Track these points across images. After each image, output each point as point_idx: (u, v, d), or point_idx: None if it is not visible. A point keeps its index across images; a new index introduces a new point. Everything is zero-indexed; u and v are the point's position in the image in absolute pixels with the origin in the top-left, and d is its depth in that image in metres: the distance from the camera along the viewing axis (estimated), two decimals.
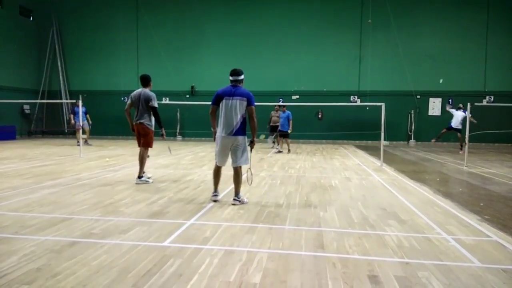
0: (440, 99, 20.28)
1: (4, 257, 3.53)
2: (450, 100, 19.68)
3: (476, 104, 10.67)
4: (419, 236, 4.34)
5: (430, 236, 4.37)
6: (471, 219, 5.11)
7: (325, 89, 20.61)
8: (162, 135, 7.61)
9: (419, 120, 20.51)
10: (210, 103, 5.76)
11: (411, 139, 20.58)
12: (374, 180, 8.30)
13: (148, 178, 7.63)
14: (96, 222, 4.73)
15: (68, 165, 9.95)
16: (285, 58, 21.13)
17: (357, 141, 20.32)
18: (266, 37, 21.25)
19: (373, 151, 15.13)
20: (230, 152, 5.74)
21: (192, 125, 21.07)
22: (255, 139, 5.80)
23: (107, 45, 22.57)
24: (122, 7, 22.27)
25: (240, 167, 5.77)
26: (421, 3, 20.37)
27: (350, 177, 8.65)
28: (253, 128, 5.68)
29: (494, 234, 4.46)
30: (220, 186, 6.84)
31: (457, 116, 15.60)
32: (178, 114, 21.33)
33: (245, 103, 5.59)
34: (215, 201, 5.85)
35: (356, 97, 20.72)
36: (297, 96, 21.05)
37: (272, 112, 15.59)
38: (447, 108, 17.34)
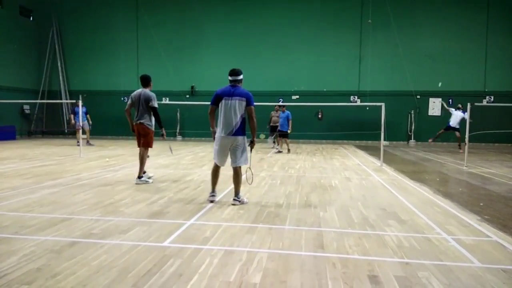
0: (440, 99, 20.26)
1: (4, 257, 3.53)
2: (450, 101, 19.66)
3: (476, 104, 10.67)
4: (419, 236, 4.35)
5: (430, 236, 4.37)
6: (471, 219, 5.12)
7: (325, 89, 20.61)
8: (162, 135, 7.63)
9: (419, 120, 20.51)
10: (210, 103, 5.76)
11: (411, 139, 20.58)
12: (374, 180, 8.30)
13: (149, 178, 7.64)
14: (96, 222, 4.73)
15: (68, 165, 9.95)
16: (285, 58, 21.13)
17: (357, 141, 20.32)
18: (266, 37, 21.25)
19: (373, 151, 15.13)
20: (229, 152, 5.74)
21: (192, 125, 21.06)
22: (255, 139, 5.80)
23: (107, 45, 22.56)
24: (122, 7, 22.27)
25: (240, 167, 5.77)
26: (421, 3, 20.37)
27: (350, 177, 8.65)
28: (253, 128, 5.68)
29: (494, 234, 4.47)
30: (220, 186, 6.84)
31: (456, 116, 15.64)
32: (178, 114, 21.33)
33: (244, 103, 5.59)
34: (212, 201, 5.82)
35: (356, 97, 20.72)
36: (297, 96, 21.05)
37: (272, 112, 15.60)
38: (446, 106, 17.34)
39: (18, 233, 4.26)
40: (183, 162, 11.06)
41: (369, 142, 19.63)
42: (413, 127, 20.51)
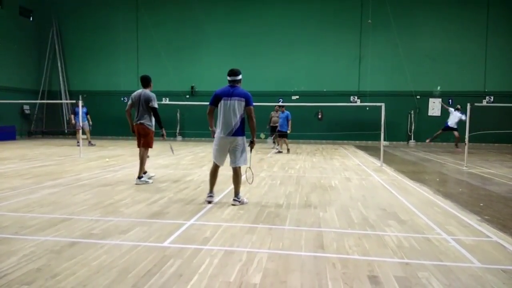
0: (440, 100, 20.26)
1: (4, 257, 3.53)
2: (450, 101, 19.66)
3: (476, 104, 10.66)
4: (419, 237, 4.35)
5: (430, 236, 4.37)
6: (471, 220, 5.12)
7: (325, 89, 20.61)
8: (162, 135, 7.63)
9: (419, 121, 20.51)
10: (208, 103, 5.76)
11: (411, 139, 20.58)
12: (374, 181, 8.30)
13: (150, 178, 7.66)
14: (96, 222, 4.73)
15: (68, 166, 9.95)
16: (285, 58, 21.13)
17: (357, 142, 20.32)
18: (266, 37, 21.25)
19: (373, 152, 15.13)
20: (229, 153, 5.73)
21: (192, 125, 21.06)
22: (255, 139, 5.80)
23: (107, 45, 22.56)
24: (122, 7, 22.27)
25: (239, 167, 5.76)
26: (421, 3, 20.37)
27: (350, 178, 8.65)
28: (252, 128, 5.68)
29: (494, 235, 4.47)
30: (220, 187, 6.85)
31: (455, 116, 15.74)
32: (178, 114, 21.32)
33: (243, 103, 5.58)
34: (209, 202, 5.80)
35: (356, 97, 20.72)
36: (297, 97, 21.05)
37: (272, 112, 15.60)
38: (445, 106, 17.35)
39: (18, 233, 4.26)
40: (183, 162, 11.06)
41: (369, 142, 19.63)
42: (413, 128, 20.51)
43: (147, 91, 7.38)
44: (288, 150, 14.30)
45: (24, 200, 5.86)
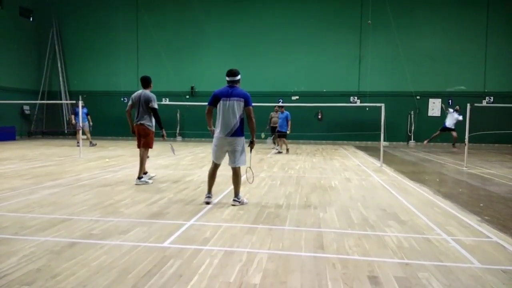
0: (440, 100, 20.28)
1: (4, 258, 3.53)
2: (450, 101, 19.67)
3: (476, 104, 10.65)
4: (419, 237, 4.35)
5: (430, 237, 4.37)
6: (471, 220, 5.12)
7: (324, 90, 20.62)
8: (162, 136, 7.64)
9: (419, 121, 20.51)
10: (207, 103, 5.76)
11: (411, 139, 20.58)
12: (374, 181, 8.30)
13: (150, 178, 7.67)
14: (96, 222, 4.73)
15: (68, 166, 9.95)
16: (285, 59, 21.13)
17: (357, 142, 20.32)
18: (266, 38, 21.25)
19: (373, 152, 15.13)
20: (228, 153, 5.73)
21: (192, 125, 21.05)
22: (254, 139, 5.80)
23: (107, 46, 22.57)
24: (122, 7, 22.27)
25: (239, 167, 5.76)
26: (421, 3, 20.38)
27: (350, 178, 8.65)
28: (252, 128, 5.68)
29: (494, 235, 4.47)
30: (220, 187, 6.86)
31: (452, 117, 15.81)
32: (178, 114, 21.32)
33: (242, 103, 5.58)
34: (207, 203, 5.79)
35: (356, 97, 20.72)
36: (297, 97, 21.06)
37: (272, 113, 15.59)
38: (445, 109, 17.37)
39: (18, 233, 4.26)
40: (183, 162, 11.06)
41: (369, 142, 19.62)
42: (413, 128, 20.51)
43: (147, 91, 7.39)
44: (287, 150, 14.30)
45: (24, 201, 5.86)
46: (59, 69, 22.82)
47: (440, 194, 6.91)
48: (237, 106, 5.56)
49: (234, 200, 5.78)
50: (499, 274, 3.36)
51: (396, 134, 20.26)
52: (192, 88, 21.83)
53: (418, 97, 20.20)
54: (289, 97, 20.87)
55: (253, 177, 6.18)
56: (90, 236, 4.19)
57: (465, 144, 10.66)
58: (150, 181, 7.54)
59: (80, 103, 12.96)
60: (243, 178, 5.92)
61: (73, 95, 22.43)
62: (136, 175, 7.56)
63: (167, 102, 17.61)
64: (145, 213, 5.24)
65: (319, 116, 20.99)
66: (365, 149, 16.80)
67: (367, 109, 18.20)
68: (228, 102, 5.57)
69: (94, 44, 22.64)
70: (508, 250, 3.97)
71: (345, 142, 20.57)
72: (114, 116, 20.44)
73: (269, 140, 15.72)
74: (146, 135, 7.38)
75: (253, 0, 21.63)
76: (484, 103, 19.29)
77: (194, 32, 21.73)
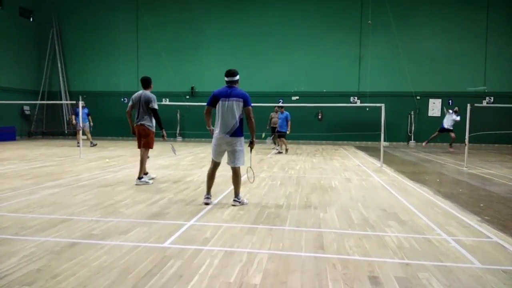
0: (440, 100, 20.28)
1: (4, 258, 3.53)
2: (450, 101, 19.67)
3: (476, 105, 10.65)
4: (419, 237, 4.35)
5: (430, 237, 4.37)
6: (471, 220, 5.12)
7: (325, 90, 20.61)
8: (163, 136, 7.64)
9: (419, 121, 20.50)
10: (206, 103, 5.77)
11: (411, 140, 20.57)
12: (374, 181, 8.30)
13: (151, 178, 7.67)
14: (96, 223, 4.73)
15: (68, 166, 9.95)
16: (285, 59, 21.13)
17: (357, 142, 20.32)
18: (266, 38, 21.25)
19: (373, 152, 15.13)
20: (227, 152, 5.74)
21: (192, 126, 21.05)
22: (254, 139, 5.80)
23: (107, 46, 22.57)
24: (122, 7, 22.27)
25: (239, 168, 5.76)
26: (421, 3, 20.38)
27: (350, 178, 8.65)
28: (252, 128, 5.68)
29: (494, 235, 4.47)
30: (220, 187, 6.86)
31: (451, 118, 15.86)
32: (178, 115, 21.32)
33: (241, 104, 5.58)
34: (207, 203, 5.78)
35: (356, 98, 20.72)
36: (297, 97, 21.06)
37: (272, 113, 15.59)
38: (448, 111, 17.37)
39: (18, 234, 4.26)
40: (183, 163, 11.06)
41: (369, 143, 19.62)
42: (413, 128, 20.51)
43: (147, 92, 7.41)
44: (286, 150, 14.29)
45: (24, 201, 5.86)
46: (59, 69, 22.83)
47: (440, 194, 6.91)
48: (236, 107, 5.56)
49: (234, 200, 5.79)
50: (500, 274, 3.35)
51: (396, 134, 20.26)
52: (192, 88, 21.82)
53: (418, 97, 20.19)
54: (289, 97, 20.87)
55: (254, 176, 6.19)
56: (90, 236, 4.19)
57: (465, 144, 10.65)
58: (150, 181, 7.54)
59: (80, 104, 12.96)
60: (244, 177, 5.92)
61: (73, 95, 22.43)
62: (137, 175, 7.56)
63: (167, 103, 17.60)
64: (145, 213, 5.24)
65: (319, 116, 20.99)
66: (365, 149, 16.80)
67: (367, 109, 18.18)
68: (227, 102, 5.57)
69: (94, 44, 22.65)
70: (508, 250, 3.97)
71: (345, 142, 20.57)
72: (114, 116, 20.45)
73: (269, 140, 15.72)
74: (147, 136, 7.39)
75: (253, 0, 21.63)
76: (484, 103, 19.29)
77: (194, 32, 21.73)
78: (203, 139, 20.30)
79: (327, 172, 9.65)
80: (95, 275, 3.19)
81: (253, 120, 5.64)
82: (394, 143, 20.17)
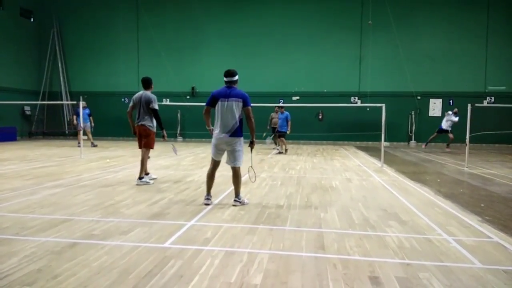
0: (440, 100, 20.27)
1: (4, 258, 3.53)
2: (451, 101, 19.66)
3: (476, 105, 10.64)
4: (420, 237, 4.34)
5: (431, 237, 4.37)
6: (472, 220, 5.11)
7: (325, 90, 20.61)
8: (163, 136, 7.65)
9: (420, 121, 20.49)
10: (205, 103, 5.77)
11: (411, 140, 20.57)
12: (374, 181, 8.29)
13: (152, 179, 7.67)
14: (96, 223, 4.73)
15: (68, 166, 9.96)
16: (285, 59, 21.12)
17: (358, 142, 20.31)
18: (266, 38, 21.25)
19: (374, 152, 15.12)
20: (227, 152, 5.74)
21: (192, 126, 21.05)
22: (254, 139, 5.80)
23: (107, 46, 22.58)
24: (122, 8, 22.29)
25: (239, 168, 5.76)
26: (421, 3, 20.37)
27: (351, 178, 8.65)
28: (251, 128, 5.68)
29: (495, 235, 4.46)
30: (220, 187, 6.86)
31: (449, 119, 15.92)
32: (178, 115, 21.33)
33: (240, 104, 5.58)
34: (207, 204, 5.77)
35: (356, 98, 20.71)
36: (297, 97, 21.05)
37: (272, 114, 15.59)
38: (448, 112, 17.37)
39: (18, 234, 4.26)
40: (183, 163, 11.06)
41: (370, 143, 19.62)
42: (413, 128, 20.50)
43: (148, 92, 7.42)
44: (286, 150, 14.28)
45: (25, 201, 5.86)
46: (60, 69, 22.84)
47: (441, 194, 6.90)
48: (236, 107, 5.56)
49: (235, 200, 5.79)
50: (500, 274, 3.35)
51: (397, 134, 20.24)
52: (192, 88, 21.83)
53: (419, 98, 20.18)
54: (290, 97, 20.87)
55: (255, 176, 6.19)
56: (91, 237, 4.19)
57: (466, 144, 10.64)
58: (151, 181, 7.55)
59: (81, 104, 12.97)
60: (245, 177, 5.92)
61: (73, 95, 22.42)
62: (137, 175, 7.56)
63: (168, 103, 17.61)
64: (146, 213, 5.24)
65: (320, 117, 20.98)
66: (365, 150, 16.80)
67: (368, 109, 18.15)
68: (226, 102, 5.57)
69: (94, 45, 22.65)
70: (509, 250, 3.97)
71: (345, 142, 20.56)
72: (115, 116, 20.45)
73: (269, 140, 15.72)
74: (147, 136, 7.40)
75: (253, 0, 21.63)
76: (485, 103, 19.27)
77: (194, 32, 21.73)
78: (203, 139, 20.29)
79: (328, 172, 9.65)
80: (95, 275, 3.19)
81: (253, 120, 5.64)
82: (395, 143, 20.16)
